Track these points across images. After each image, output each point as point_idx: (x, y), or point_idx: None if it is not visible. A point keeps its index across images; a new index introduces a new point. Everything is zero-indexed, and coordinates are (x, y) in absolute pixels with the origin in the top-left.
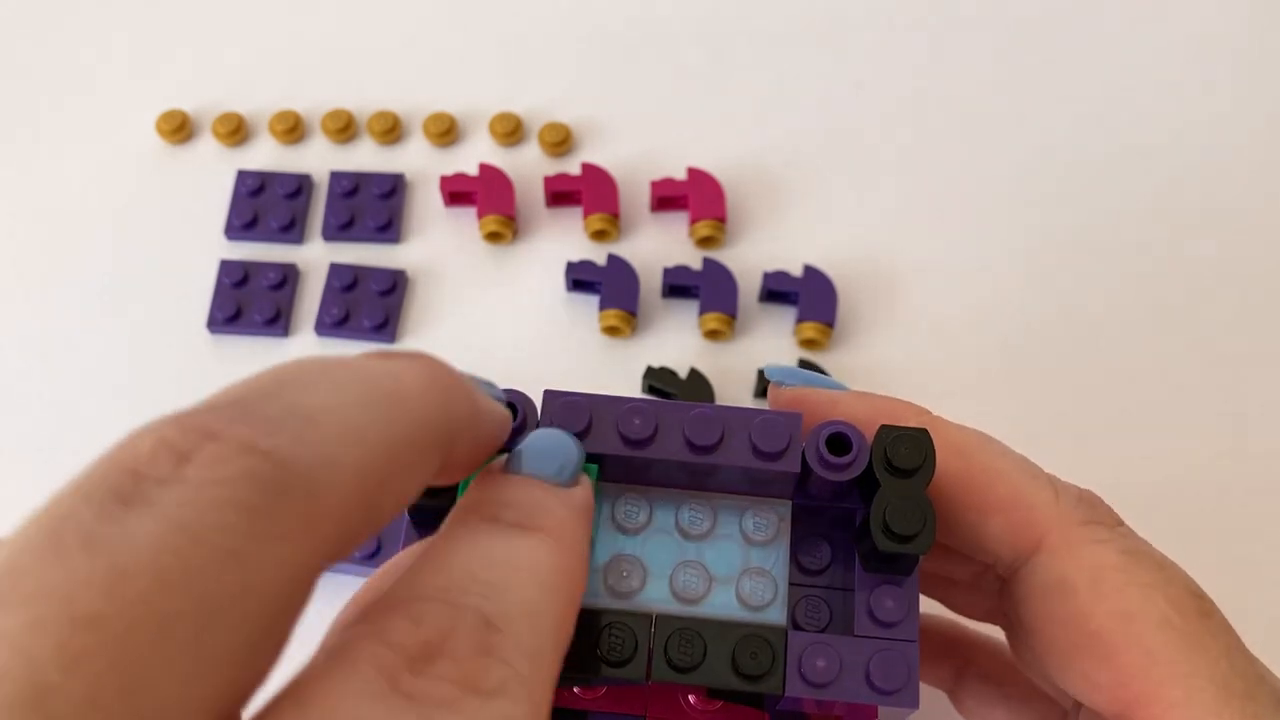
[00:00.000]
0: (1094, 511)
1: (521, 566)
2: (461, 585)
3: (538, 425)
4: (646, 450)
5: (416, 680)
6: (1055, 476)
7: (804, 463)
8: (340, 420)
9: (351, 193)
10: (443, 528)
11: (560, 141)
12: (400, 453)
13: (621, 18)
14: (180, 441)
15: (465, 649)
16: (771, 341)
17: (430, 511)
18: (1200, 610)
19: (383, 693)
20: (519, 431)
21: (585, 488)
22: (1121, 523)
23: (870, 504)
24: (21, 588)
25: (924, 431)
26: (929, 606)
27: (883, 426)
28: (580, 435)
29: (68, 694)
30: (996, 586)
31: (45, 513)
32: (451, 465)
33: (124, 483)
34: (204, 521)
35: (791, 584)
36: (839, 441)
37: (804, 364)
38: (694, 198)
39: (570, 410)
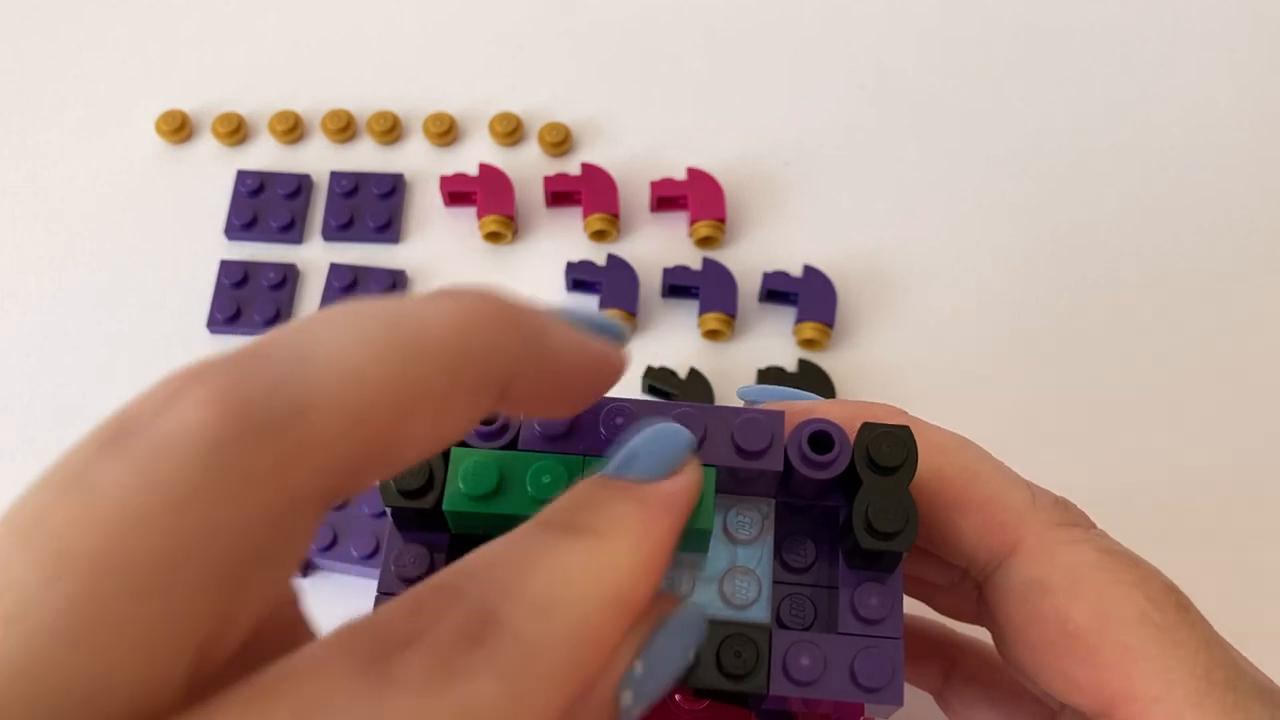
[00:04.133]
0: (1069, 514)
1: (544, 566)
2: (472, 579)
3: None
4: None
5: (392, 659)
6: (1032, 482)
7: (787, 461)
8: (339, 360)
9: (351, 193)
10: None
11: (560, 141)
12: (413, 392)
13: (622, 18)
14: (175, 384)
15: (448, 634)
16: (771, 341)
17: (413, 514)
18: (1178, 605)
19: (358, 666)
20: (502, 432)
21: (677, 483)
22: (1095, 526)
23: (853, 502)
24: (20, 514)
25: (906, 429)
26: (915, 609)
27: (865, 424)
28: (563, 436)
29: (46, 612)
30: (976, 590)
31: (62, 453)
32: (524, 402)
33: (116, 427)
34: (164, 466)
35: (776, 582)
36: (821, 439)
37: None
38: (694, 198)
39: None
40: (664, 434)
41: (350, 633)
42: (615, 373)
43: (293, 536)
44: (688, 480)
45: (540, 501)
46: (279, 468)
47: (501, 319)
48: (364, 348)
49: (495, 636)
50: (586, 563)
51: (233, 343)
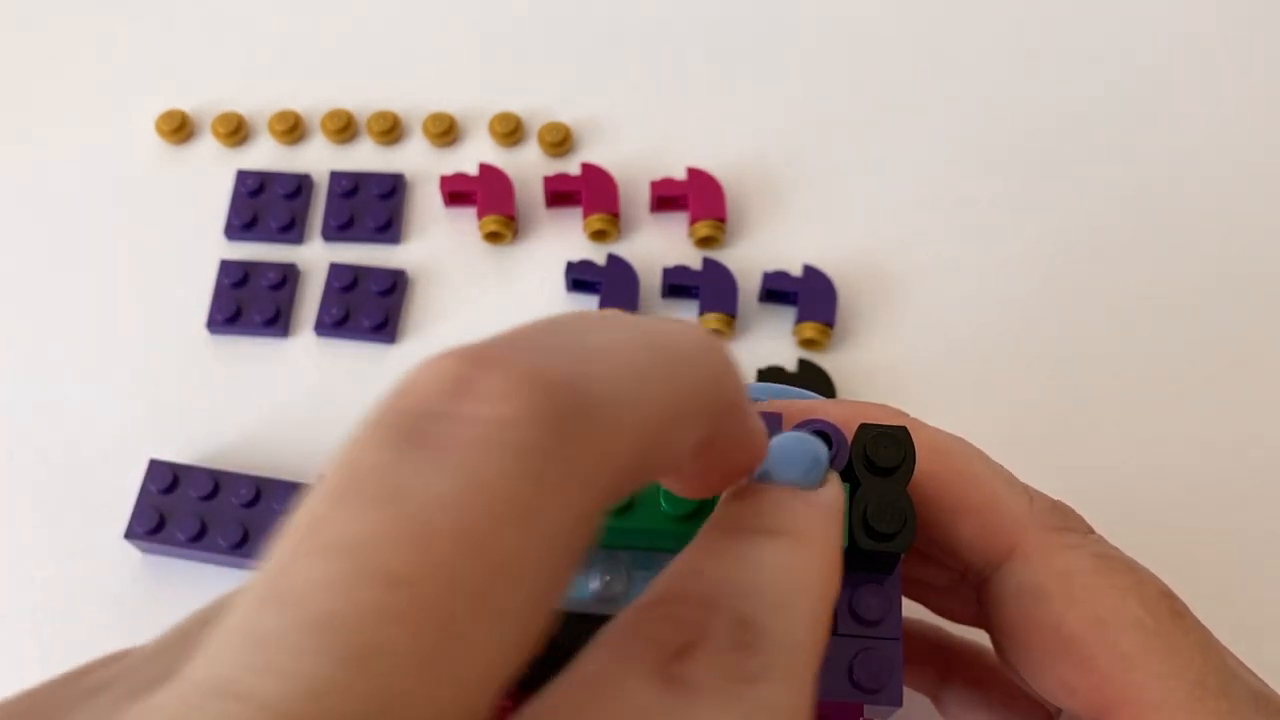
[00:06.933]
0: (1066, 519)
1: (767, 566)
2: (713, 587)
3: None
4: None
5: (681, 667)
6: (1030, 486)
7: None
8: (627, 357)
9: (351, 193)
10: (695, 538)
11: (560, 141)
12: (679, 404)
13: (622, 18)
14: (459, 370)
15: (722, 643)
16: (771, 341)
17: None
18: (1172, 611)
19: (651, 675)
20: None
21: (832, 487)
22: (1092, 531)
23: (851, 502)
24: (328, 537)
25: (904, 430)
26: (912, 611)
27: (862, 425)
28: None
29: (393, 652)
30: (973, 593)
31: (341, 457)
32: (707, 459)
33: (410, 422)
34: (493, 470)
35: None
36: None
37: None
38: (694, 198)
39: None
40: (803, 443)
41: (626, 643)
42: (760, 457)
43: (580, 554)
44: (838, 488)
45: None
46: (592, 470)
47: (725, 356)
48: (641, 351)
49: (760, 641)
50: (796, 560)
51: (232, 343)
